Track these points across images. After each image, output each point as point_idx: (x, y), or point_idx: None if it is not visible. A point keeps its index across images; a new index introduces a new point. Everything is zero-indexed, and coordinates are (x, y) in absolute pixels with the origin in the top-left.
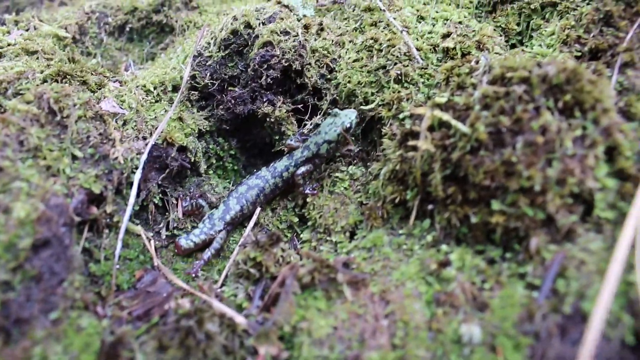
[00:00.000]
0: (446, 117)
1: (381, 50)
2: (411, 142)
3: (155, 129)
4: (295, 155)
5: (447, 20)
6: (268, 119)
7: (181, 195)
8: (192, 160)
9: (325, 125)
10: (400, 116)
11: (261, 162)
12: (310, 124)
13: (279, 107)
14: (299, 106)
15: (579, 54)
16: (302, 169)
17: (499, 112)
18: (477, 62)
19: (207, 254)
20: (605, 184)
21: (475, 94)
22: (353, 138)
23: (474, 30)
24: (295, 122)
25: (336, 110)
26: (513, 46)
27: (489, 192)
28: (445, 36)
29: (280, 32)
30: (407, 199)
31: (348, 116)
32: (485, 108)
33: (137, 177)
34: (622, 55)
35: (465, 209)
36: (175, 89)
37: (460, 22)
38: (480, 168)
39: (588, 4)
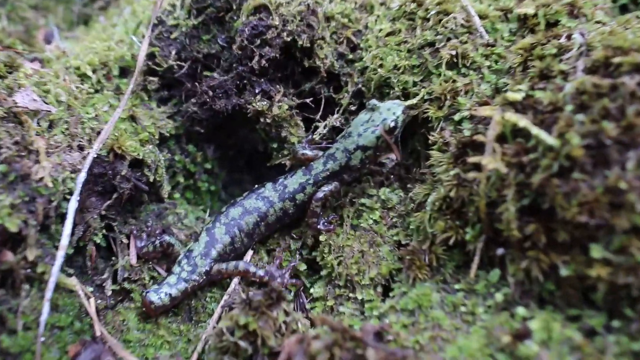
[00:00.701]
0: (523, 122)
1: (428, 19)
2: (472, 158)
3: (97, 133)
4: (314, 168)
5: None
6: (262, 119)
7: (135, 232)
8: (151, 179)
9: (359, 123)
10: (456, 117)
11: (250, 179)
12: (324, 127)
13: (278, 101)
14: (308, 100)
15: None
16: (326, 190)
17: (601, 115)
18: (569, 38)
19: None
20: None
21: (567, 88)
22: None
23: None
24: (301, 123)
25: (374, 102)
26: (624, 9)
27: (586, 232)
28: None
29: None
30: (466, 240)
31: (392, 111)
32: (581, 109)
33: (71, 207)
34: None
35: (551, 256)
36: (125, 72)
37: None
38: (573, 198)
39: None
